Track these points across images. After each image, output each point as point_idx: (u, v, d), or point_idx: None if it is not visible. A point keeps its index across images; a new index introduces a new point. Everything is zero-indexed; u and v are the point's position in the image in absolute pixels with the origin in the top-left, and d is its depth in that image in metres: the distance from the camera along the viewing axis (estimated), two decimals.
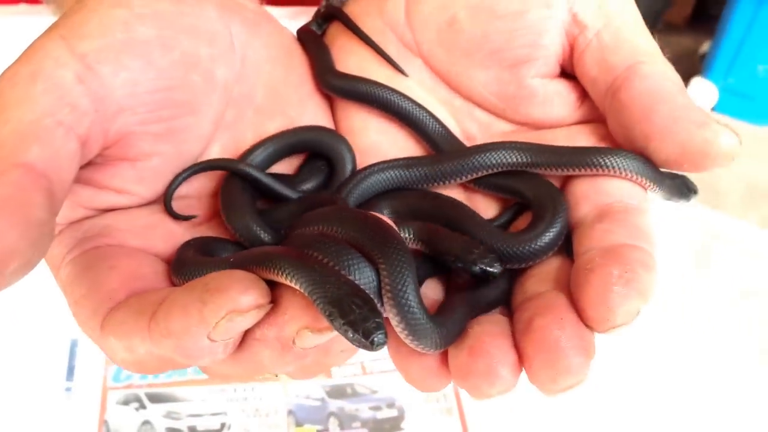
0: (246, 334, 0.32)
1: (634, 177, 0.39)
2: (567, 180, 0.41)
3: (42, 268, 0.34)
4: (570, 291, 0.33)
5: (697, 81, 2.59)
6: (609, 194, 0.39)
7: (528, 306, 0.34)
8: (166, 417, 0.62)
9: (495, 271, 0.36)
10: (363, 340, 0.29)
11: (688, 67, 2.64)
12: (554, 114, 0.44)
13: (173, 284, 0.36)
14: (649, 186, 0.39)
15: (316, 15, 0.53)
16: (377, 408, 0.64)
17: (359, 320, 0.30)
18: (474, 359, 0.32)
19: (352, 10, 0.51)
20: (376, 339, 0.29)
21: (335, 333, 0.31)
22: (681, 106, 0.38)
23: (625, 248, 0.34)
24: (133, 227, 0.39)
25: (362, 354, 0.67)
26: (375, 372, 0.67)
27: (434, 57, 0.47)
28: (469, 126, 0.46)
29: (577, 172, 0.40)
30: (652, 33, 0.42)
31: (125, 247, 0.38)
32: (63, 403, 0.61)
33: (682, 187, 0.42)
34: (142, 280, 0.36)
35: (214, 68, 0.42)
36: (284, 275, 0.31)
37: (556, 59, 0.44)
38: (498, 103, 0.45)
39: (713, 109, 2.62)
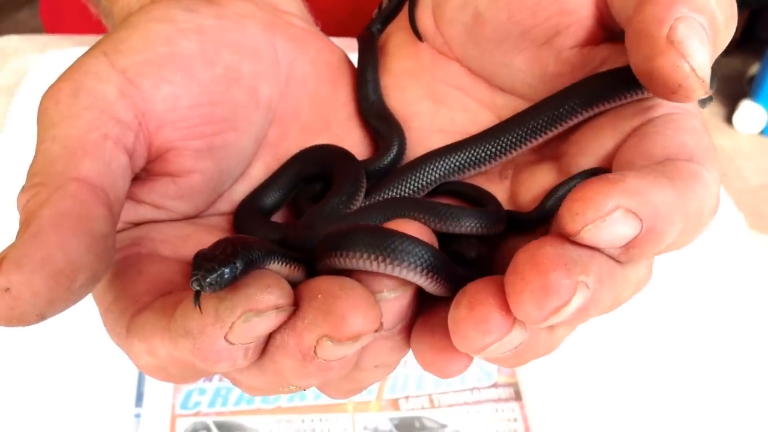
0: (268, 340, 0.30)
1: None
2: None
3: None
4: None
5: (745, 104, 2.55)
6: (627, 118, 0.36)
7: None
8: None
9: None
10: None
11: (737, 89, 2.60)
12: None
13: None
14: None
15: (378, 13, 0.53)
16: None
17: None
18: (457, 307, 0.29)
19: (390, 29, 0.51)
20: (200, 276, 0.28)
21: (360, 344, 0.28)
22: (651, 17, 0.31)
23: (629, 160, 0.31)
24: (166, 237, 0.38)
25: (430, 387, 0.66)
26: (443, 405, 0.65)
27: (467, 56, 0.44)
28: None
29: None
30: None
31: (155, 254, 0.37)
32: (132, 429, 0.61)
33: None
34: (170, 285, 0.34)
35: (258, 84, 0.41)
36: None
37: (592, 21, 0.39)
38: (542, 87, 0.41)
39: (762, 132, 2.57)
